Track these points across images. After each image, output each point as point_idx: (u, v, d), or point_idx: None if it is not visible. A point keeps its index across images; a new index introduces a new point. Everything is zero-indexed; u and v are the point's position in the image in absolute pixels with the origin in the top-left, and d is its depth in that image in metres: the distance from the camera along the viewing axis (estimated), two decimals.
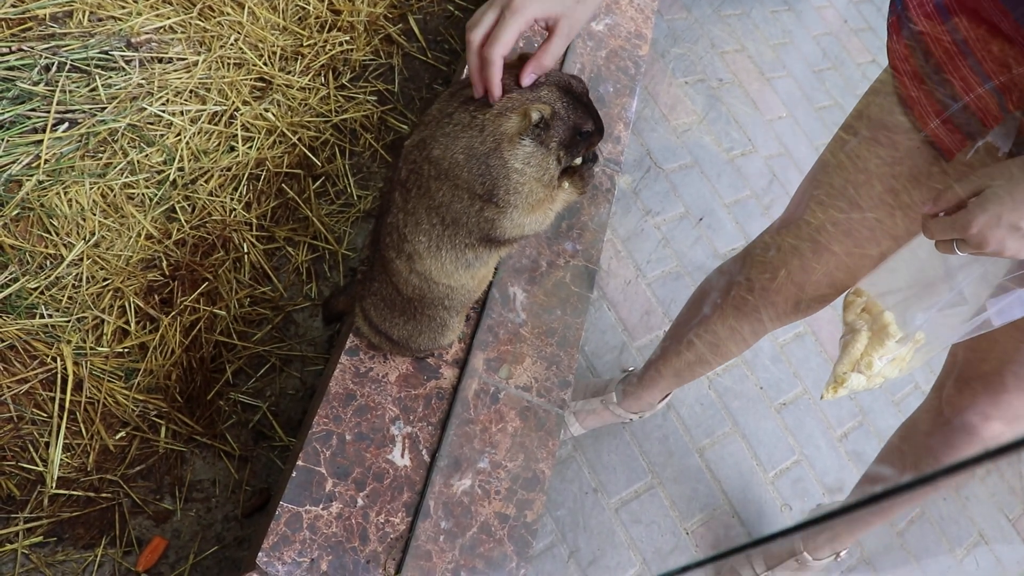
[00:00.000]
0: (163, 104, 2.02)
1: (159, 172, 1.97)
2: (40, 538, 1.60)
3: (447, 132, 1.18)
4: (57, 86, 1.91)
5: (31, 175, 1.81)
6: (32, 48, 1.92)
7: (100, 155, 1.92)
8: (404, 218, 1.27)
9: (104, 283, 1.81)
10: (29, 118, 1.86)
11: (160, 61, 2.08)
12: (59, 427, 1.66)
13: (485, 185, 1.17)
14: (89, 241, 1.82)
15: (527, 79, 1.14)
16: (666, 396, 2.03)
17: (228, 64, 2.16)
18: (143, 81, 2.02)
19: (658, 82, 3.00)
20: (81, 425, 1.69)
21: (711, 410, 2.37)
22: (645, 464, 2.19)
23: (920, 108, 1.21)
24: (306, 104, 2.23)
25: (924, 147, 1.23)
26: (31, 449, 1.65)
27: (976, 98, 1.12)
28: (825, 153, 1.41)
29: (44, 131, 1.86)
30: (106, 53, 2.01)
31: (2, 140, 1.81)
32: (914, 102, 1.21)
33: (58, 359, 1.70)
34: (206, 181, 2.01)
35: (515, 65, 1.17)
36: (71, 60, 1.95)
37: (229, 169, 2.05)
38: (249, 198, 2.06)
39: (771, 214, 2.86)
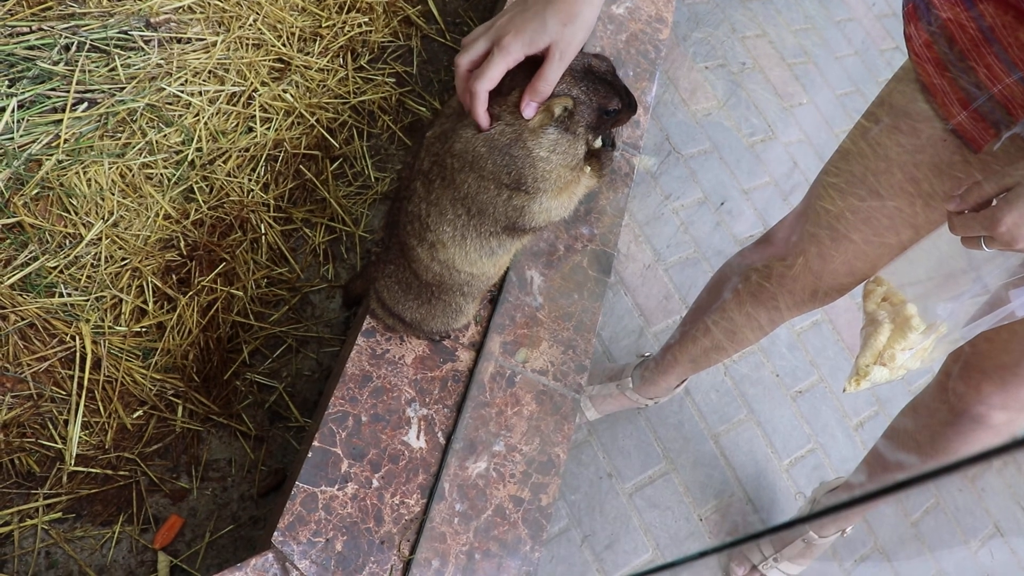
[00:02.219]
0: (182, 84, 2.02)
1: (177, 152, 1.97)
2: (59, 514, 1.62)
3: (467, 124, 1.18)
4: (77, 66, 1.91)
5: (51, 154, 1.82)
6: (52, 28, 1.93)
7: (119, 135, 1.92)
8: (427, 208, 1.26)
9: (122, 263, 1.82)
10: (49, 98, 1.87)
11: (179, 41, 2.08)
12: (78, 405, 1.68)
13: (511, 175, 1.17)
14: (108, 221, 1.83)
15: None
16: (682, 382, 2.03)
17: (247, 45, 2.16)
18: (162, 61, 2.02)
19: (678, 66, 2.98)
20: (99, 403, 1.71)
21: (727, 397, 2.36)
22: (660, 450, 2.19)
23: (944, 96, 1.19)
24: (324, 85, 2.23)
25: (947, 136, 1.21)
26: (50, 426, 1.66)
27: (1003, 88, 1.10)
28: (846, 141, 1.39)
29: (64, 111, 1.87)
30: (125, 33, 2.01)
31: (22, 120, 1.82)
32: (936, 90, 1.19)
33: (77, 338, 1.71)
34: (224, 162, 2.02)
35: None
36: (91, 40, 1.96)
37: (247, 150, 2.05)
38: (267, 179, 2.06)
39: (791, 201, 2.83)
